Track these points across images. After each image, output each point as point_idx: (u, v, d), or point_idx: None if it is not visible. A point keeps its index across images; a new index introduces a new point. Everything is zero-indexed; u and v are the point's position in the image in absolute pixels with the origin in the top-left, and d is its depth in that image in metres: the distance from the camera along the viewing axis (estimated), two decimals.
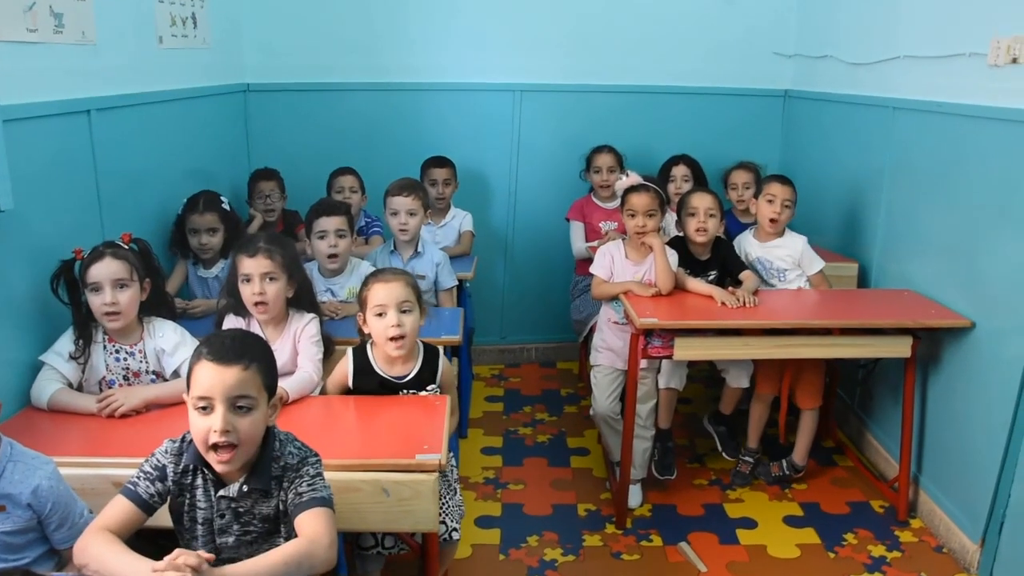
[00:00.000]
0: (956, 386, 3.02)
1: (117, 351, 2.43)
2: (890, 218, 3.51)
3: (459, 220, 4.12)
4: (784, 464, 3.42)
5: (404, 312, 2.38)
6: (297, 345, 2.60)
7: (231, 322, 2.63)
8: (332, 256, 3.13)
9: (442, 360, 2.50)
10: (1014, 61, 2.70)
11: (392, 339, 2.36)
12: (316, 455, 1.84)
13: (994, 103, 2.80)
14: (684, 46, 4.45)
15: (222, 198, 3.28)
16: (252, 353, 1.75)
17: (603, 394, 3.29)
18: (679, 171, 4.09)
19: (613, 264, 3.23)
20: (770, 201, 3.35)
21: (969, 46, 2.92)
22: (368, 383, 2.43)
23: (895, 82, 3.46)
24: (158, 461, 1.78)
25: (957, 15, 3.04)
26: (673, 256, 3.16)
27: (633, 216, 3.14)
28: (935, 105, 3.14)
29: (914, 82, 3.32)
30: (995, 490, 2.77)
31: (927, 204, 3.23)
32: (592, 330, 3.87)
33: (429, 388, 2.45)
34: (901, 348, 3.03)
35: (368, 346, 2.48)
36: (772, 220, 3.34)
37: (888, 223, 3.52)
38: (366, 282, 2.46)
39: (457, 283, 3.55)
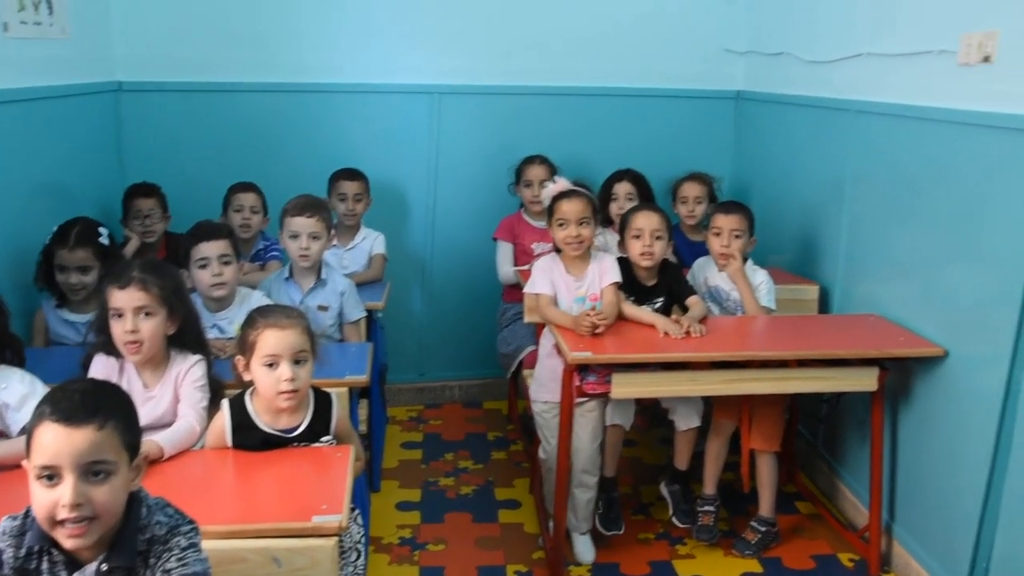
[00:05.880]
0: (929, 422, 3.05)
1: None
2: (853, 234, 3.55)
3: (370, 242, 4.06)
4: (756, 525, 3.37)
5: (298, 363, 2.32)
6: (179, 391, 2.52)
7: (101, 364, 2.53)
8: (217, 286, 3.05)
9: (336, 407, 2.44)
10: (986, 60, 2.74)
11: (282, 393, 2.30)
12: (191, 523, 1.75)
13: (964, 106, 2.84)
14: (624, 42, 4.46)
15: (100, 229, 3.17)
16: (108, 408, 1.65)
17: (553, 435, 3.22)
18: (622, 189, 4.08)
19: (554, 281, 3.21)
20: (717, 234, 3.39)
21: (938, 43, 2.97)
22: (250, 440, 2.34)
23: (857, 82, 3.51)
24: None
25: (924, 7, 3.09)
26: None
27: (564, 226, 3.13)
28: (901, 108, 3.18)
29: (878, 82, 3.36)
30: (976, 538, 2.79)
31: (893, 219, 3.27)
32: (522, 365, 3.84)
33: (323, 441, 2.38)
34: (867, 380, 3.04)
35: (248, 396, 2.39)
36: (723, 255, 3.38)
37: (851, 240, 3.56)
38: (252, 322, 2.37)
39: (365, 314, 3.50)
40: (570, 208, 3.12)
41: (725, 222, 3.38)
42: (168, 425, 2.41)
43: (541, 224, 4.10)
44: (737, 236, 3.36)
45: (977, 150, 2.79)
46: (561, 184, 3.21)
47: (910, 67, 3.14)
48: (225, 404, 2.39)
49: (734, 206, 3.46)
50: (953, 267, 2.92)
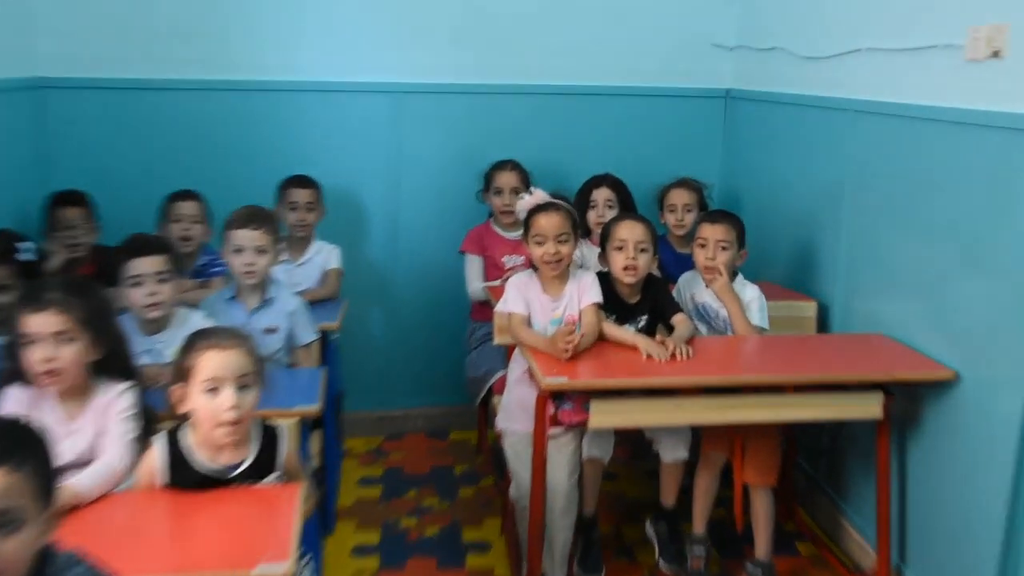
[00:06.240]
0: (941, 452, 3.04)
1: None
2: (853, 246, 3.55)
3: (323, 255, 4.05)
4: (751, 569, 3.33)
5: (243, 389, 2.27)
6: (105, 423, 2.46)
7: (15, 396, 2.46)
8: (152, 307, 2.99)
9: (283, 442, 2.40)
10: (995, 55, 2.75)
11: (223, 424, 2.25)
12: None
13: (972, 105, 2.85)
14: (602, 37, 4.47)
15: (19, 244, 3.11)
16: (21, 452, 1.58)
17: (526, 469, 3.17)
18: (601, 195, 4.08)
19: (529, 301, 3.18)
20: (702, 246, 3.38)
21: (943, 37, 2.98)
22: (186, 479, 2.29)
23: (856, 80, 3.52)
24: None
25: None
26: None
27: (541, 243, 3.10)
28: (903, 108, 3.19)
29: (879, 80, 3.37)
30: None
31: (898, 228, 3.27)
32: (492, 390, 3.81)
33: (270, 479, 2.34)
34: (870, 408, 3.02)
35: (185, 429, 2.34)
36: (708, 268, 3.36)
37: (851, 252, 3.56)
38: (191, 345, 2.33)
39: (318, 336, 3.46)
40: (548, 223, 3.10)
41: (711, 232, 3.36)
42: (92, 462, 2.36)
43: (512, 235, 4.08)
44: (724, 248, 3.34)
45: (987, 153, 2.79)
46: (538, 196, 3.19)
47: (913, 63, 3.15)
48: (158, 439, 2.33)
49: (721, 215, 3.45)
50: (964, 281, 2.91)
